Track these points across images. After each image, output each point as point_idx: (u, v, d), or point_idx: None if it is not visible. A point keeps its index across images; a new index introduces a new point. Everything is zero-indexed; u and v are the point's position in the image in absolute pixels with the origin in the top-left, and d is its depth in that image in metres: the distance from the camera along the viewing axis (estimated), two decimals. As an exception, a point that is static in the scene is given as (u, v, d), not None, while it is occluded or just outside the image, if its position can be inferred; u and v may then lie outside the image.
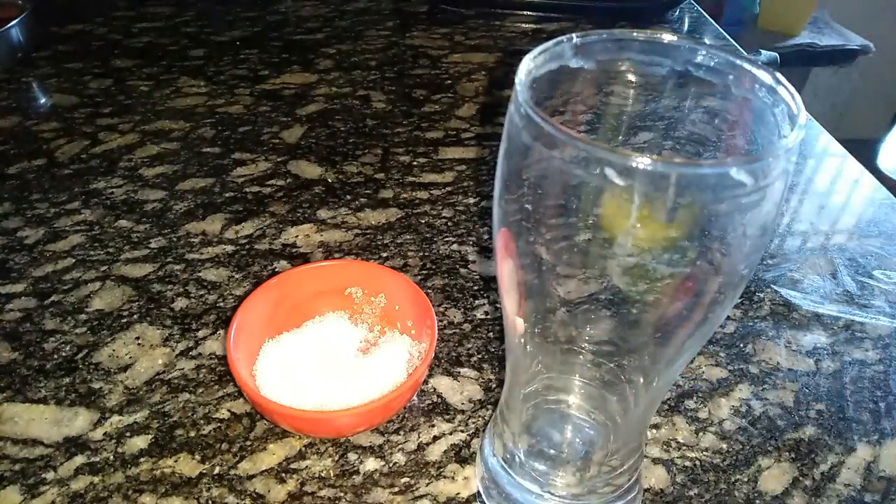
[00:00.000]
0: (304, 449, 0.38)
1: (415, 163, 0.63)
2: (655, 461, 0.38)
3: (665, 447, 0.39)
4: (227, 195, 0.59)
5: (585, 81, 0.26)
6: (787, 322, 0.47)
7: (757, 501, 0.36)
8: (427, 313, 0.40)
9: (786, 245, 0.55)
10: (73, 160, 0.63)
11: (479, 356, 0.44)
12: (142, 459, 0.37)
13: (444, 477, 0.37)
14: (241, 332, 0.39)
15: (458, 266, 0.51)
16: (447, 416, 0.40)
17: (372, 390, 0.38)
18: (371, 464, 0.37)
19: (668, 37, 0.26)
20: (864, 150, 0.96)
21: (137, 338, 0.45)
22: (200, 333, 0.45)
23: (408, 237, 0.54)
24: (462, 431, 0.39)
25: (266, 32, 0.91)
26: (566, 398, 0.33)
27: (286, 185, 0.60)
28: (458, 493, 0.36)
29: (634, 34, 0.26)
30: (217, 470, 0.37)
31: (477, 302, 0.48)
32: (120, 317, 0.46)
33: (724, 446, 0.39)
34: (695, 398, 0.42)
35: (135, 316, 0.47)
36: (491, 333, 0.46)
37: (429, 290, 0.49)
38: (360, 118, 0.71)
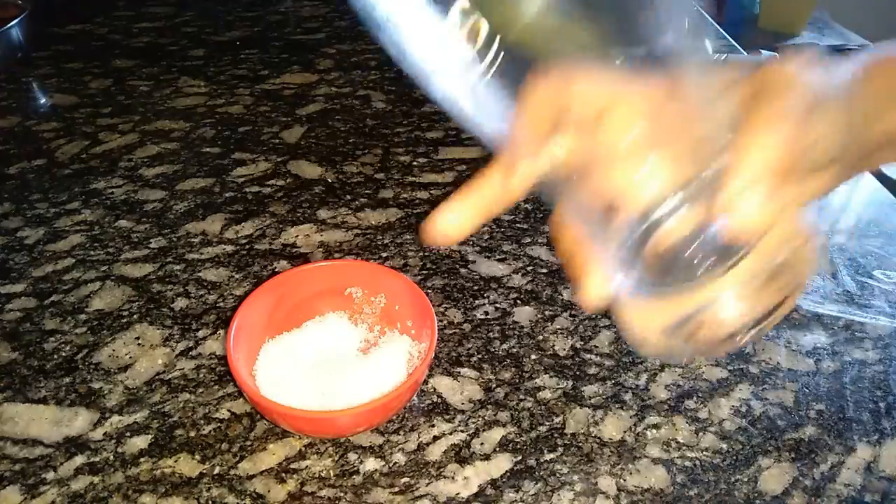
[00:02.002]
0: (304, 449, 0.38)
1: (415, 163, 0.63)
2: (655, 461, 0.38)
3: (665, 447, 0.39)
4: (227, 195, 0.59)
5: None
6: (787, 322, 0.47)
7: (757, 501, 0.36)
8: (427, 313, 0.40)
9: (786, 245, 0.55)
10: (73, 160, 0.63)
11: (479, 356, 0.44)
12: (142, 459, 0.37)
13: (444, 477, 0.37)
14: (241, 332, 0.39)
15: (458, 266, 0.51)
16: (447, 416, 0.40)
17: (372, 390, 0.38)
18: (371, 464, 0.37)
19: None
20: (864, 150, 0.95)
21: (137, 338, 0.45)
22: (200, 333, 0.45)
23: (408, 237, 0.54)
24: (462, 431, 0.39)
25: (266, 32, 0.91)
26: None
27: (286, 185, 0.60)
28: (458, 493, 0.36)
29: None
30: (217, 470, 0.37)
31: (477, 302, 0.48)
32: (120, 317, 0.46)
33: (724, 446, 0.39)
34: (695, 398, 0.42)
35: (135, 316, 0.47)
36: (491, 333, 0.46)
37: (429, 290, 0.49)
38: (360, 118, 0.71)
